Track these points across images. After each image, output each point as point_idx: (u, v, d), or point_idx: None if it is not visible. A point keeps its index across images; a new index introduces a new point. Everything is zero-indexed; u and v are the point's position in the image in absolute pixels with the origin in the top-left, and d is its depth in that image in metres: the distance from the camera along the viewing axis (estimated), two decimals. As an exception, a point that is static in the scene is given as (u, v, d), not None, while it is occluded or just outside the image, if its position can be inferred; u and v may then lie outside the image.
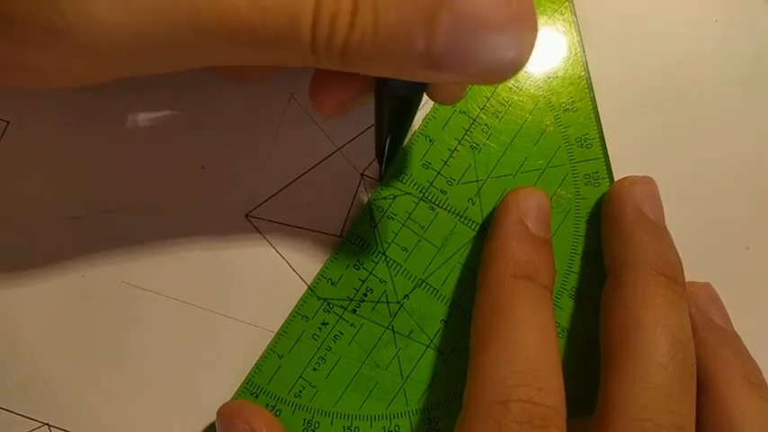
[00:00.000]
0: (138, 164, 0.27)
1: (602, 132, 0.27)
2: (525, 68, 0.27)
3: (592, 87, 0.28)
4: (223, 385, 0.26)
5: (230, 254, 0.27)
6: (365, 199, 0.27)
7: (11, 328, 0.26)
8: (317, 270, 0.27)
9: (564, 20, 0.28)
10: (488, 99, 0.27)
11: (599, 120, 0.28)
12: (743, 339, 0.26)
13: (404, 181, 0.27)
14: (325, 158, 0.27)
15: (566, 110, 0.27)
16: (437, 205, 0.27)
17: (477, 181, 0.27)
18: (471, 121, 0.27)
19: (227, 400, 0.26)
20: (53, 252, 0.26)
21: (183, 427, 0.26)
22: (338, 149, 0.27)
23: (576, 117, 0.27)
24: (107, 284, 0.26)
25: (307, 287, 0.27)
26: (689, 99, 0.29)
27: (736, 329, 0.26)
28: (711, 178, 0.28)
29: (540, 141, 0.27)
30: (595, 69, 0.28)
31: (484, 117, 0.27)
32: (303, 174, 0.27)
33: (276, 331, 0.26)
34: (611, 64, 0.28)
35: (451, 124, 0.27)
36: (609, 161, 0.27)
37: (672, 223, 0.26)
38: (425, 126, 0.27)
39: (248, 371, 0.26)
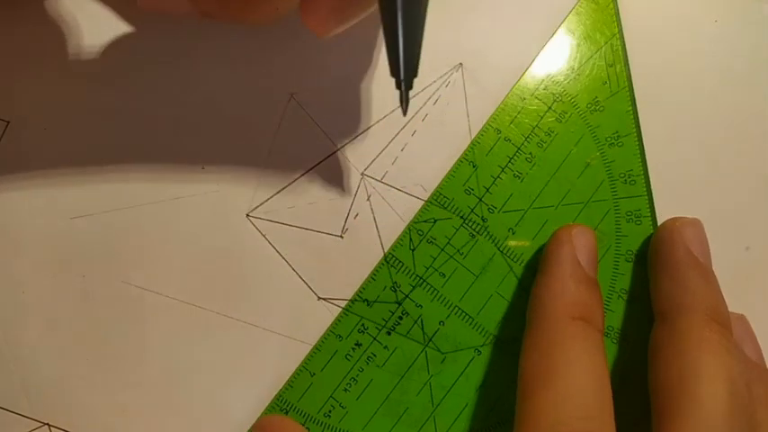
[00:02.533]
0: (139, 164, 0.27)
1: (646, 169, 0.27)
2: (572, 98, 0.27)
3: (638, 122, 0.27)
4: (222, 384, 0.26)
5: (230, 254, 0.27)
6: (365, 198, 0.27)
7: (11, 328, 0.26)
8: (318, 270, 0.27)
9: (613, 52, 0.28)
10: (533, 128, 0.27)
11: (644, 155, 0.27)
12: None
13: (445, 205, 0.27)
14: (326, 158, 0.27)
15: (611, 144, 0.27)
16: (477, 232, 0.26)
17: (519, 210, 0.27)
18: (516, 149, 0.27)
19: (226, 399, 0.26)
20: (53, 252, 0.26)
21: (183, 427, 0.26)
22: (338, 149, 0.27)
23: (621, 152, 0.27)
24: (107, 284, 0.26)
25: (309, 289, 0.27)
26: (687, 98, 0.29)
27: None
28: (711, 178, 0.28)
29: (584, 175, 0.27)
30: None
31: (528, 146, 0.27)
32: (303, 174, 0.27)
33: (271, 330, 0.26)
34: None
35: (496, 151, 0.27)
36: (652, 199, 0.27)
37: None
38: (469, 151, 0.27)
39: (246, 370, 0.26)
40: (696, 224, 0.26)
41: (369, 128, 0.27)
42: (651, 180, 0.27)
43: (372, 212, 0.27)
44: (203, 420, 0.26)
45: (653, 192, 0.27)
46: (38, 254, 0.26)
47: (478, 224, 0.27)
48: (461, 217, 0.27)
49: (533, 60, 0.28)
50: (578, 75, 0.28)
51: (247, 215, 0.27)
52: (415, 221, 0.27)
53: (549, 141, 0.27)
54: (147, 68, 0.27)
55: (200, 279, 0.26)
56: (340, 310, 0.27)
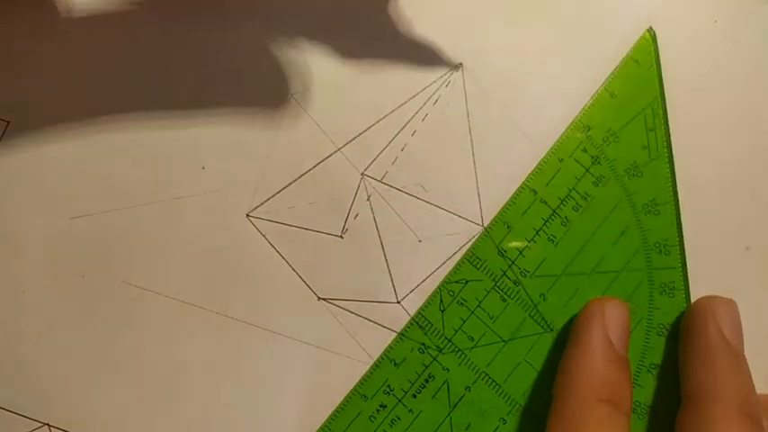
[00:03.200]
0: (139, 164, 0.27)
1: (682, 239, 0.27)
2: (611, 162, 0.27)
3: (676, 189, 0.27)
4: (221, 385, 0.26)
5: (230, 254, 0.27)
6: (365, 198, 0.27)
7: (11, 328, 0.26)
8: (317, 270, 0.27)
9: (654, 116, 0.27)
10: (570, 191, 0.27)
11: (680, 225, 0.27)
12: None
13: (477, 266, 0.26)
14: (326, 158, 0.27)
15: (648, 212, 0.26)
16: (508, 296, 0.26)
17: (551, 276, 0.26)
18: (551, 211, 0.26)
19: (226, 399, 0.26)
20: (53, 252, 0.26)
21: (182, 427, 0.26)
22: (338, 149, 0.27)
23: (658, 221, 0.26)
24: (107, 284, 0.26)
25: (309, 289, 0.27)
26: (688, 97, 0.29)
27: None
28: (711, 178, 0.28)
29: (619, 242, 0.26)
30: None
31: (564, 209, 0.26)
32: (303, 174, 0.27)
33: (271, 330, 0.26)
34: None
35: (531, 213, 0.26)
36: (686, 271, 0.26)
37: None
38: (505, 211, 0.27)
39: (246, 370, 0.26)
40: (730, 304, 0.25)
41: (369, 128, 0.27)
42: (686, 250, 0.27)
43: (372, 212, 0.27)
44: (203, 420, 0.26)
45: (687, 261, 0.27)
46: (38, 254, 0.26)
47: (510, 288, 0.26)
48: (493, 279, 0.26)
49: (573, 121, 0.27)
50: (618, 138, 0.27)
51: (247, 215, 0.27)
52: (447, 281, 0.26)
53: (585, 206, 0.26)
54: (147, 69, 0.27)
55: (200, 279, 0.26)
56: (340, 310, 0.27)
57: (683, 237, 0.27)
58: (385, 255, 0.27)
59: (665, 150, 0.27)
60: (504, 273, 0.26)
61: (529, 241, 0.26)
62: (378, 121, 0.27)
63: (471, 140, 0.28)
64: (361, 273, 0.27)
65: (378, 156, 0.27)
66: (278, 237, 0.27)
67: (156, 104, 0.27)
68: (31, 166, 0.26)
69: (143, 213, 0.26)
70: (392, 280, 0.27)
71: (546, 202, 0.26)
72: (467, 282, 0.26)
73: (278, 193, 0.27)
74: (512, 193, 0.27)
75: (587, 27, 0.28)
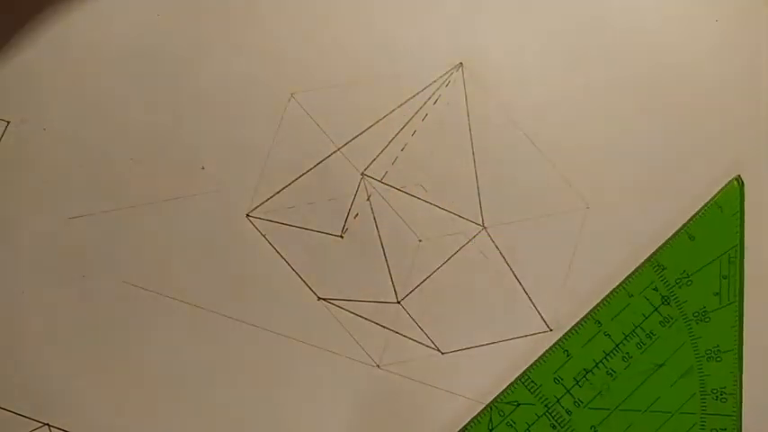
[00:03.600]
0: (139, 164, 0.27)
1: (741, 389, 0.26)
2: (680, 303, 0.26)
3: (742, 339, 0.26)
4: (222, 384, 0.26)
5: (230, 254, 0.26)
6: (365, 198, 0.27)
7: (11, 328, 0.26)
8: (317, 270, 0.27)
9: (730, 264, 0.27)
10: (636, 327, 0.26)
11: (741, 375, 0.26)
12: (744, 339, 0.26)
13: (532, 390, 0.26)
14: (326, 158, 0.27)
15: (710, 357, 0.26)
16: (559, 424, 0.25)
17: (605, 409, 0.26)
18: (614, 345, 0.26)
19: (225, 399, 0.26)
20: (53, 252, 0.26)
21: (182, 427, 0.26)
22: (338, 149, 0.27)
23: (719, 367, 0.26)
24: (107, 284, 0.26)
25: (309, 289, 0.27)
26: (688, 97, 0.29)
27: (737, 329, 0.26)
28: (713, 178, 0.28)
29: (677, 384, 0.26)
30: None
31: (627, 345, 0.26)
32: (303, 174, 0.27)
33: (270, 330, 0.26)
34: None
35: (593, 344, 0.26)
36: (741, 421, 0.26)
37: (674, 222, 0.26)
38: (566, 339, 0.26)
39: (246, 370, 0.26)
40: None
41: (369, 128, 0.27)
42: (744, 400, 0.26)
43: (372, 212, 0.27)
44: (203, 420, 0.26)
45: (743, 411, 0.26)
46: (37, 254, 0.26)
47: (562, 416, 0.25)
48: (546, 405, 0.26)
49: (648, 258, 0.27)
50: (691, 281, 0.27)
51: (247, 215, 0.27)
52: (498, 401, 0.26)
53: (648, 344, 0.26)
54: (147, 68, 0.27)
55: (199, 279, 0.26)
56: (339, 310, 0.27)
57: (742, 386, 0.26)
58: (385, 255, 0.27)
59: (737, 299, 0.27)
60: (558, 400, 0.26)
61: (587, 372, 0.26)
62: (378, 121, 0.27)
63: (471, 140, 0.28)
64: (361, 273, 0.27)
65: (378, 156, 0.27)
66: (278, 237, 0.27)
67: (156, 104, 0.27)
68: (30, 166, 0.26)
69: (143, 213, 0.26)
70: (392, 280, 0.27)
71: (609, 336, 0.26)
72: (518, 404, 0.26)
73: (278, 193, 0.27)
74: (513, 196, 0.27)
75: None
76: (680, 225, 0.27)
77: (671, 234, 0.27)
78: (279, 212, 0.27)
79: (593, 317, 0.26)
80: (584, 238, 0.27)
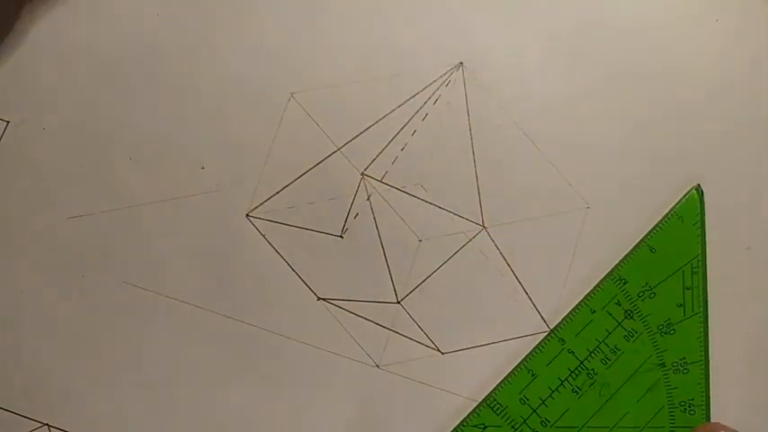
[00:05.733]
0: (138, 164, 0.27)
1: (708, 400, 0.26)
2: (644, 317, 0.26)
3: (708, 350, 0.26)
4: (222, 384, 0.26)
5: (230, 253, 0.26)
6: (365, 198, 0.27)
7: (11, 329, 0.26)
8: (317, 270, 0.27)
9: (693, 274, 0.27)
10: (600, 343, 0.26)
11: (708, 386, 0.26)
12: (744, 340, 0.26)
13: (498, 412, 0.26)
14: (326, 158, 0.27)
15: (676, 370, 0.26)
16: None
17: (572, 428, 0.25)
18: (578, 362, 0.26)
19: (225, 399, 0.26)
20: (53, 252, 0.26)
21: (182, 427, 0.26)
22: (338, 149, 0.27)
23: (686, 379, 0.26)
24: (107, 284, 0.26)
25: (309, 289, 0.26)
26: (689, 97, 0.29)
27: (737, 329, 0.26)
28: (713, 178, 0.28)
29: (644, 399, 0.26)
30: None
31: (592, 361, 0.26)
32: (303, 173, 0.27)
33: (270, 330, 0.26)
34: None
35: (557, 362, 0.26)
36: None
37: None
38: (530, 359, 0.26)
39: (245, 370, 0.26)
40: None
41: (369, 128, 0.27)
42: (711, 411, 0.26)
43: (372, 212, 0.27)
44: (202, 420, 0.26)
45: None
46: (37, 254, 0.26)
47: None
48: (513, 427, 0.25)
49: (609, 273, 0.27)
50: (654, 293, 0.27)
51: (247, 215, 0.27)
52: (464, 424, 0.26)
53: (613, 359, 0.26)
54: (147, 68, 0.27)
55: (199, 279, 0.26)
56: (339, 310, 0.27)
57: (709, 397, 0.26)
58: (385, 254, 0.27)
59: (701, 309, 0.26)
60: (525, 421, 0.26)
61: (553, 391, 0.26)
62: (378, 121, 0.27)
63: (471, 140, 0.28)
64: (361, 273, 0.27)
65: (378, 156, 0.27)
66: (278, 237, 0.27)
67: (156, 104, 0.27)
68: (30, 165, 0.26)
69: (143, 213, 0.26)
70: (392, 280, 0.27)
71: (574, 353, 0.26)
72: (485, 427, 0.26)
73: (278, 192, 0.27)
74: (513, 196, 0.27)
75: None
76: (640, 237, 0.27)
77: (631, 246, 0.27)
78: (279, 212, 0.27)
79: (556, 335, 0.26)
80: (584, 238, 0.27)
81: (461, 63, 0.28)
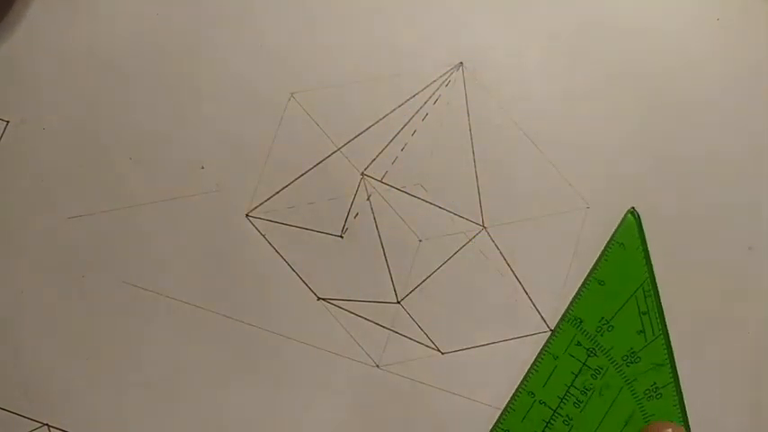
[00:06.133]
0: (138, 163, 0.27)
1: (687, 419, 0.26)
2: (606, 351, 0.26)
3: (676, 369, 0.26)
4: (221, 384, 0.26)
5: (230, 253, 0.26)
6: (365, 198, 0.27)
7: (11, 329, 0.26)
8: (317, 270, 0.27)
9: (646, 298, 0.26)
10: (569, 387, 0.26)
11: (684, 406, 0.26)
12: (744, 339, 0.25)
13: None
14: (326, 158, 0.27)
15: (650, 396, 0.26)
16: None
17: None
18: (552, 412, 0.26)
19: (225, 399, 0.26)
20: (53, 252, 0.26)
21: (182, 427, 0.26)
22: (338, 149, 0.27)
23: (661, 404, 0.26)
24: (107, 285, 0.26)
25: (309, 289, 0.26)
26: (689, 97, 0.28)
27: (737, 329, 0.26)
28: (713, 177, 0.28)
29: (624, 431, 0.26)
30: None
31: (565, 407, 0.26)
32: (303, 173, 0.27)
33: (270, 330, 0.26)
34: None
35: (531, 416, 0.26)
36: None
37: (674, 222, 0.25)
38: (504, 419, 0.26)
39: (245, 370, 0.26)
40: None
41: (369, 127, 0.27)
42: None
43: (372, 212, 0.27)
44: (203, 420, 0.26)
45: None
46: (37, 254, 0.26)
47: None
48: None
49: (563, 316, 0.27)
50: (612, 326, 0.26)
51: (247, 215, 0.27)
52: None
53: (585, 400, 0.26)
54: (147, 68, 0.27)
55: (199, 279, 0.26)
56: (339, 310, 0.26)
57: (687, 416, 0.26)
58: (385, 254, 0.27)
59: (661, 331, 0.26)
60: None
61: None
62: (378, 121, 0.27)
63: (471, 140, 0.27)
64: (361, 273, 0.27)
65: (378, 155, 0.27)
66: (277, 237, 0.27)
67: (157, 104, 0.27)
68: (30, 165, 0.26)
69: (143, 213, 0.26)
70: (392, 280, 0.27)
71: (545, 403, 0.26)
72: None
73: (278, 192, 0.27)
74: (513, 196, 0.27)
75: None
76: (584, 272, 0.27)
77: (579, 284, 0.27)
78: (279, 212, 0.27)
79: (524, 389, 0.26)
80: (584, 238, 0.27)
81: (461, 63, 0.28)
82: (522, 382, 0.26)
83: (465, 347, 0.27)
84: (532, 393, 0.26)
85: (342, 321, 0.27)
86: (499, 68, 0.28)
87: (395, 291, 0.27)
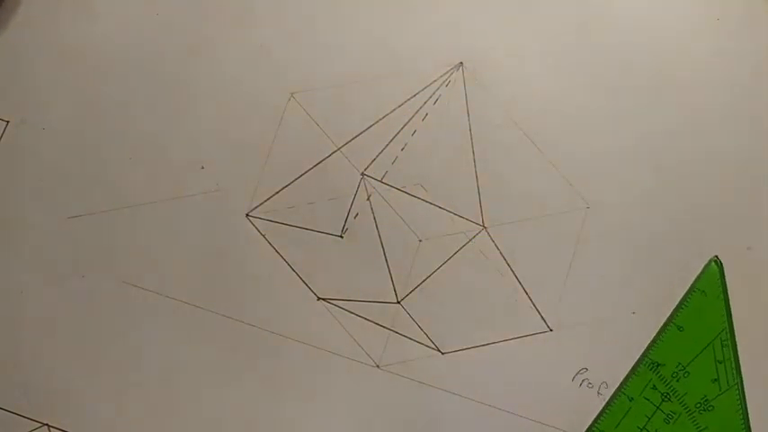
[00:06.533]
0: (138, 164, 0.27)
1: None
2: (681, 397, 0.26)
3: (748, 422, 0.26)
4: (221, 384, 0.26)
5: (230, 253, 0.26)
6: (365, 198, 0.27)
7: (11, 329, 0.26)
8: (317, 270, 0.27)
9: (723, 347, 0.27)
10: (641, 430, 0.26)
11: None
12: (744, 339, 0.25)
13: None
14: (326, 158, 0.27)
15: None
16: None
17: None
18: None
19: (225, 399, 0.26)
20: (53, 252, 0.26)
21: (181, 427, 0.26)
22: (338, 149, 0.27)
23: None
24: (107, 284, 0.26)
25: (309, 289, 0.26)
26: (690, 96, 0.28)
27: (737, 329, 0.26)
28: (712, 177, 0.28)
29: None
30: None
31: None
32: (303, 173, 0.27)
33: (270, 330, 0.26)
34: None
35: None
36: None
37: (675, 221, 0.25)
38: None
39: (246, 369, 0.26)
40: None
41: (369, 127, 0.27)
42: None
43: (372, 212, 0.27)
44: (202, 420, 0.26)
45: None
46: (36, 254, 0.26)
47: None
48: None
49: (642, 358, 0.27)
50: (687, 372, 0.26)
51: (247, 215, 0.27)
52: None
53: None
54: (147, 68, 0.27)
55: (199, 279, 0.26)
56: (339, 310, 0.27)
57: None
58: (385, 254, 0.27)
59: (736, 382, 0.27)
60: None
61: None
62: (378, 121, 0.27)
63: (471, 140, 0.27)
64: (361, 273, 0.27)
65: (378, 155, 0.27)
66: (277, 237, 0.27)
67: (156, 104, 0.27)
68: (29, 165, 0.26)
69: (142, 213, 0.26)
70: (392, 280, 0.27)
71: None
72: None
73: (277, 192, 0.27)
74: (513, 196, 0.27)
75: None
76: (661, 314, 0.27)
77: (658, 327, 0.27)
78: (279, 212, 0.27)
79: (597, 428, 0.26)
80: (583, 239, 0.27)
81: (461, 63, 0.28)
82: (594, 421, 0.26)
83: (465, 347, 0.27)
84: None
85: (342, 321, 0.27)
86: (499, 68, 0.28)
87: (395, 291, 0.27)
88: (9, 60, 0.27)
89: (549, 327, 0.27)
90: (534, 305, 0.27)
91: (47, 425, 0.25)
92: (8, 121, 0.27)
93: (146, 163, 0.27)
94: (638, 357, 0.27)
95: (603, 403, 0.26)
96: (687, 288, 0.27)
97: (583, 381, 0.27)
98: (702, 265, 0.27)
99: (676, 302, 0.27)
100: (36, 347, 0.26)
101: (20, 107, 0.27)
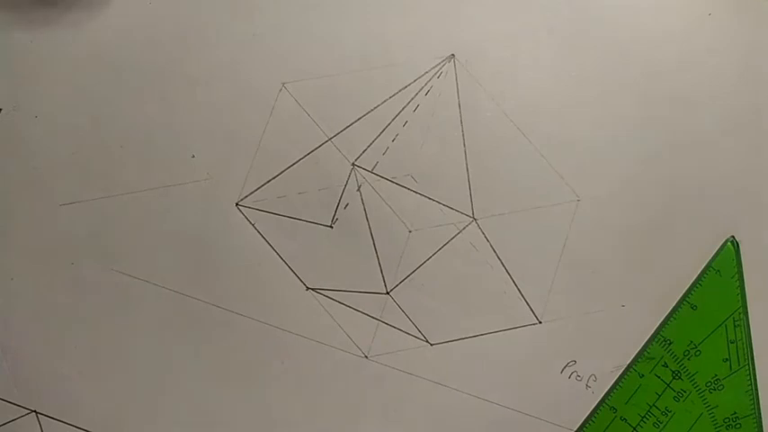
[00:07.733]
0: (129, 152, 0.27)
1: None
2: (691, 375, 0.26)
3: (758, 402, 0.26)
4: (209, 373, 0.26)
5: (219, 243, 0.26)
6: (356, 189, 0.27)
7: (0, 315, 0.26)
8: (307, 260, 0.27)
9: (735, 328, 0.27)
10: (651, 407, 0.26)
11: None
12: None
13: None
14: (316, 148, 0.27)
15: (729, 426, 0.26)
16: None
17: None
18: (632, 429, 0.26)
19: (213, 389, 0.26)
20: (42, 239, 0.26)
21: (170, 416, 0.26)
22: (329, 139, 0.27)
23: None
24: (96, 272, 0.26)
25: (298, 279, 0.26)
26: (682, 90, 0.28)
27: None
28: (704, 169, 0.28)
29: None
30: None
31: (645, 426, 0.26)
32: (294, 163, 0.27)
33: (258, 320, 0.26)
34: None
35: (611, 431, 0.26)
36: None
37: (666, 215, 0.25)
38: (583, 430, 0.26)
39: (235, 358, 0.26)
40: None
41: (360, 118, 0.27)
42: None
43: (363, 203, 0.27)
44: (189, 407, 0.26)
45: None
46: (27, 240, 0.26)
47: None
48: None
49: (654, 335, 0.27)
50: (699, 351, 0.27)
51: (237, 204, 0.27)
52: None
53: (665, 421, 0.26)
54: (139, 57, 0.27)
55: (189, 268, 0.26)
56: (328, 300, 0.26)
57: None
58: (375, 245, 0.27)
59: (747, 362, 0.27)
60: None
61: None
62: (369, 112, 0.27)
63: (462, 131, 0.27)
64: (351, 263, 0.27)
65: (369, 146, 0.27)
66: (267, 226, 0.27)
67: (148, 93, 0.27)
68: (22, 153, 0.26)
69: (132, 201, 0.26)
70: (382, 270, 0.27)
71: (626, 420, 0.26)
72: None
73: (268, 182, 0.27)
74: (504, 188, 0.27)
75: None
76: (676, 292, 0.27)
77: (671, 304, 0.27)
78: (269, 202, 0.27)
79: (607, 404, 0.26)
80: (574, 231, 0.27)
81: (453, 55, 0.28)
82: (604, 396, 0.26)
83: (454, 339, 0.27)
84: (614, 409, 0.26)
85: (331, 311, 0.27)
86: (491, 61, 0.28)
87: (384, 281, 0.27)
88: (1, 49, 0.27)
89: (538, 319, 0.27)
90: (523, 297, 0.27)
91: (35, 411, 0.25)
92: (1, 109, 0.27)
93: (137, 151, 0.27)
94: (627, 350, 0.27)
95: (592, 396, 0.26)
96: (684, 283, 0.27)
97: (572, 373, 0.27)
98: (692, 259, 0.27)
99: (666, 296, 0.27)
100: (24, 335, 0.26)
101: (12, 95, 0.27)
